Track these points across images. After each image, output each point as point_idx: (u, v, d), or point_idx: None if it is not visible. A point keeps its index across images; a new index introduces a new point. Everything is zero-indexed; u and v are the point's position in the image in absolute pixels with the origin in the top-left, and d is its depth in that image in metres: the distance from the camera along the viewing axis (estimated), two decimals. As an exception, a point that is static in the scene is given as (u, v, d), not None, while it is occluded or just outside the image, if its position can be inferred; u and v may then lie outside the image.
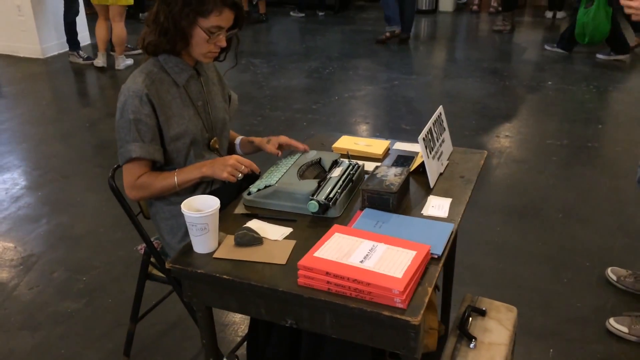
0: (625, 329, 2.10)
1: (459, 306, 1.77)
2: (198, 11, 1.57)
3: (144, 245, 1.88)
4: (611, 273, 2.41)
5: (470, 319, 1.69)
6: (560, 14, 7.34)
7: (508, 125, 4.09)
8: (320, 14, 7.80)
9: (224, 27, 1.63)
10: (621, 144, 3.71)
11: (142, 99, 1.59)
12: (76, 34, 5.76)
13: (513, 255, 2.65)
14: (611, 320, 2.15)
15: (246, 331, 2.13)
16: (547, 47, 5.91)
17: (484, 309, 1.73)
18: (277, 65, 5.65)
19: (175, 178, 1.65)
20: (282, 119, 4.29)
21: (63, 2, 5.57)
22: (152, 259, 1.88)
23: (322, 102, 4.65)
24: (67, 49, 5.92)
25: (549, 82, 4.94)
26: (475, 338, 1.62)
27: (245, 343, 1.90)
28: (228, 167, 1.61)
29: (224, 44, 1.65)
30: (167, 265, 1.41)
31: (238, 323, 2.28)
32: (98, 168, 3.69)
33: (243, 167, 1.62)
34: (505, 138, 3.89)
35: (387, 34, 6.22)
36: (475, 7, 7.87)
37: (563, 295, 2.38)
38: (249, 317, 1.83)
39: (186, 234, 1.75)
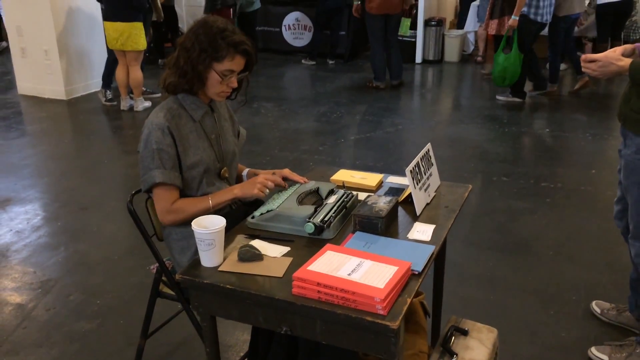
0: (605, 357, 2.21)
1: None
2: (213, 57, 1.80)
3: (156, 264, 2.05)
4: (595, 306, 2.54)
5: (453, 337, 1.84)
6: (562, 66, 7.61)
7: (505, 169, 4.27)
8: (331, 62, 8.14)
9: (236, 71, 1.86)
10: (612, 188, 3.85)
11: (164, 131, 1.80)
12: (113, 73, 6.00)
13: (504, 288, 2.79)
14: (593, 349, 2.26)
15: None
16: (499, 97, 6.22)
17: (466, 329, 1.88)
18: (288, 109, 5.93)
19: (210, 201, 1.85)
20: (289, 159, 4.51)
21: None
22: (164, 278, 2.05)
23: (328, 144, 4.87)
24: (90, 91, 6.27)
25: (547, 130, 5.14)
26: (456, 354, 1.77)
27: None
28: (257, 184, 1.83)
29: (235, 85, 1.88)
30: (177, 277, 1.59)
31: (240, 344, 2.42)
32: (114, 201, 3.90)
33: (269, 182, 1.85)
34: (501, 180, 4.06)
35: (373, 84, 6.75)
36: (479, 59, 8.18)
37: (549, 325, 2.50)
38: (250, 339, 1.98)
39: (195, 253, 1.92)
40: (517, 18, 5.54)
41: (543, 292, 2.74)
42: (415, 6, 8.33)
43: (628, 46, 1.88)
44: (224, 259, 1.62)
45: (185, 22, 8.51)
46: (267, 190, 1.86)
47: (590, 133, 5.03)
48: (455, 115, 5.79)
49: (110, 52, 5.96)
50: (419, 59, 8.17)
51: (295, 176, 2.03)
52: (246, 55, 1.85)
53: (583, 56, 1.90)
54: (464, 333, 1.86)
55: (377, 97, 6.38)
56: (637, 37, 8.14)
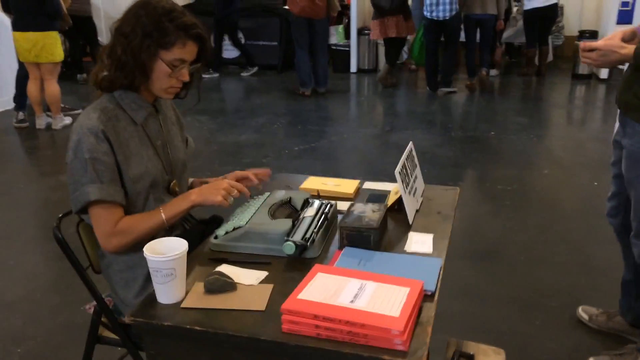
0: (606, 368, 2.04)
1: (442, 352, 1.66)
2: (160, 43, 1.46)
3: (93, 303, 1.67)
4: (582, 312, 2.37)
5: (459, 364, 1.58)
6: (493, 72, 7.72)
7: (459, 173, 4.13)
8: (245, 74, 7.79)
9: (187, 61, 1.53)
10: (569, 188, 3.81)
11: (98, 135, 1.44)
12: (20, 91, 5.39)
13: (481, 299, 2.58)
14: (591, 360, 2.08)
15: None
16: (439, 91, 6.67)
17: (471, 353, 1.63)
18: (224, 122, 5.57)
19: (162, 214, 1.49)
20: (232, 174, 4.16)
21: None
22: (104, 319, 1.67)
23: (272, 156, 4.57)
24: (0, 109, 5.62)
25: (492, 132, 5.09)
26: (467, 384, 1.51)
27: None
28: (221, 190, 1.48)
29: (186, 78, 1.54)
30: (128, 320, 1.23)
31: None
32: (33, 229, 3.40)
33: (235, 191, 1.51)
34: (457, 185, 3.90)
35: (300, 92, 6.58)
36: (413, 67, 8.18)
37: (537, 337, 2.31)
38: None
39: (143, 287, 1.58)
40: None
41: (523, 301, 2.56)
42: (347, 15, 8.25)
43: (627, 30, 1.72)
44: (186, 293, 1.29)
45: (105, 35, 7.95)
46: (232, 199, 1.53)
47: (534, 134, 5.02)
48: (399, 122, 5.65)
49: (20, 68, 5.36)
50: (353, 68, 8.05)
51: (257, 173, 1.74)
52: (199, 41, 1.53)
53: (582, 44, 1.72)
54: (470, 358, 1.61)
55: (317, 106, 6.15)
56: (560, 43, 8.43)
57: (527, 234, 3.20)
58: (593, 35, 7.14)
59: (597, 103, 6.45)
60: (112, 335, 1.68)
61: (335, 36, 8.19)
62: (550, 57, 7.82)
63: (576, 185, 3.88)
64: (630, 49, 1.63)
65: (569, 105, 6.46)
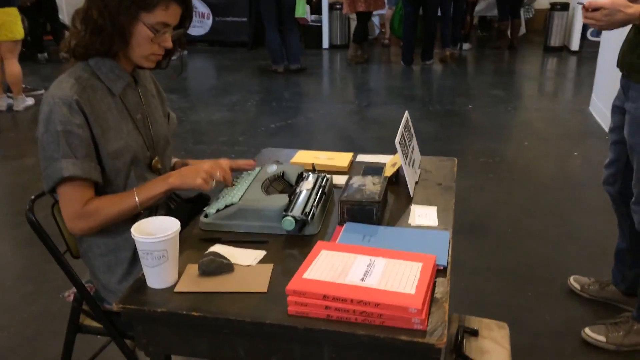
0: (602, 338, 2.01)
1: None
2: (141, 5, 1.33)
3: (72, 290, 1.55)
4: (574, 282, 2.35)
5: (464, 340, 1.52)
6: (466, 46, 7.68)
7: (440, 147, 4.08)
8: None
9: (171, 25, 1.40)
10: (551, 159, 3.80)
11: (71, 106, 1.30)
12: None
13: (472, 273, 2.54)
14: (587, 330, 2.06)
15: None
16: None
17: (475, 328, 1.57)
18: (196, 100, 5.40)
19: (136, 196, 1.37)
20: (207, 153, 4.03)
21: None
22: (85, 306, 1.55)
23: (248, 134, 4.44)
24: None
25: (469, 106, 5.05)
26: (474, 361, 1.45)
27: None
28: (202, 172, 1.36)
29: (169, 44, 1.41)
30: (116, 307, 1.12)
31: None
32: (-1, 215, 3.22)
33: (217, 173, 1.38)
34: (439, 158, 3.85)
35: (273, 69, 6.43)
36: (386, 41, 8.09)
37: (531, 309, 2.28)
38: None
39: (128, 271, 1.47)
40: None
41: (514, 273, 2.53)
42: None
43: None
44: (179, 276, 1.18)
45: (65, 13, 7.60)
46: (214, 183, 1.41)
47: (511, 107, 5.00)
48: (376, 98, 5.56)
49: None
50: (325, 44, 7.92)
51: (238, 162, 1.60)
52: (182, 3, 1.40)
53: (587, 3, 1.64)
54: (474, 333, 1.55)
55: (291, 83, 6.01)
56: (531, 16, 8.43)
57: (513, 206, 3.17)
58: (564, 7, 7.15)
59: (570, 74, 6.47)
60: (94, 324, 1.57)
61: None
62: (522, 30, 7.82)
63: (556, 156, 3.88)
64: (636, 8, 1.56)
65: (542, 77, 6.48)
